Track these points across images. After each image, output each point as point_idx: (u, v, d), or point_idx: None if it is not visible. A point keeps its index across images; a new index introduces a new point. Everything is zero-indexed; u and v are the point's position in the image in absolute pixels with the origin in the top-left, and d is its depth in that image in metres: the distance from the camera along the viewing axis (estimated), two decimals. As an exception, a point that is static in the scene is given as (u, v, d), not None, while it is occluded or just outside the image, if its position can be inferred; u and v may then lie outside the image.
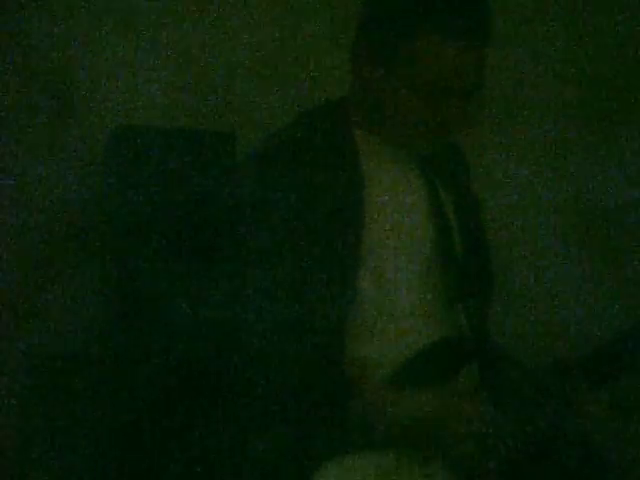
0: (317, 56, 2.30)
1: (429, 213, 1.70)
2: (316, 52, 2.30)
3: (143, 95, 2.18)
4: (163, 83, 2.20)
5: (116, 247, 1.98)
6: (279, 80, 2.29)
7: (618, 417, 2.29)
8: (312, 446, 1.54)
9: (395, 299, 1.64)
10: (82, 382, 2.11)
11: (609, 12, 2.47)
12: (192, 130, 2.15)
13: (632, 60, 2.50)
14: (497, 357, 1.73)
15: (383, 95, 1.65)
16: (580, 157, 2.49)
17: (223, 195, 1.71)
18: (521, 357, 1.78)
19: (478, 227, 1.79)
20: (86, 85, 2.16)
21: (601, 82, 2.49)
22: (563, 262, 2.47)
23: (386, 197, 1.67)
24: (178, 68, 2.22)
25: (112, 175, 2.01)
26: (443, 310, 1.69)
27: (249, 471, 1.58)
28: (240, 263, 1.60)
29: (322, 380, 1.56)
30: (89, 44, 2.15)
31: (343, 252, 1.60)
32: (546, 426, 1.56)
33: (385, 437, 1.53)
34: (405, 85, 1.62)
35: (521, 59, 2.45)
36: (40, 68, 2.12)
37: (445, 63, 1.59)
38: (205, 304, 1.66)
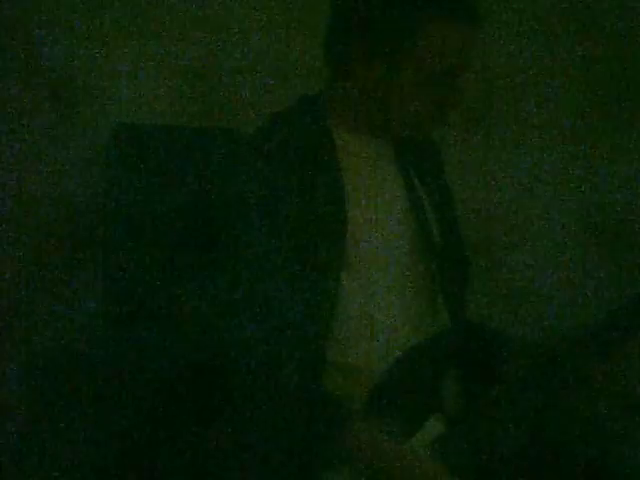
0: (317, 56, 2.30)
1: (408, 209, 1.69)
2: (316, 52, 2.30)
3: (145, 93, 2.19)
4: (165, 81, 2.21)
5: (118, 246, 1.98)
6: (279, 80, 2.29)
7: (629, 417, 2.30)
8: (298, 449, 1.53)
9: (378, 298, 1.63)
10: (82, 382, 2.11)
11: (615, 11, 2.47)
12: (194, 128, 2.15)
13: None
14: (482, 356, 1.72)
15: (364, 87, 1.63)
16: (586, 156, 2.49)
17: (224, 193, 1.70)
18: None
19: (453, 220, 1.78)
20: (88, 83, 2.16)
21: (608, 81, 2.49)
22: (568, 262, 2.47)
23: (366, 195, 1.66)
24: (180, 67, 2.22)
25: (114, 173, 2.01)
26: (425, 307, 1.68)
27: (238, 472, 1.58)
28: (220, 263, 1.59)
29: (304, 384, 1.54)
30: (91, 42, 2.15)
31: (325, 252, 1.59)
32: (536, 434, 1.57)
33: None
34: (393, 72, 1.60)
35: (526, 58, 2.45)
36: (42, 66, 2.13)
37: (434, 46, 1.58)
38: (204, 303, 1.66)
